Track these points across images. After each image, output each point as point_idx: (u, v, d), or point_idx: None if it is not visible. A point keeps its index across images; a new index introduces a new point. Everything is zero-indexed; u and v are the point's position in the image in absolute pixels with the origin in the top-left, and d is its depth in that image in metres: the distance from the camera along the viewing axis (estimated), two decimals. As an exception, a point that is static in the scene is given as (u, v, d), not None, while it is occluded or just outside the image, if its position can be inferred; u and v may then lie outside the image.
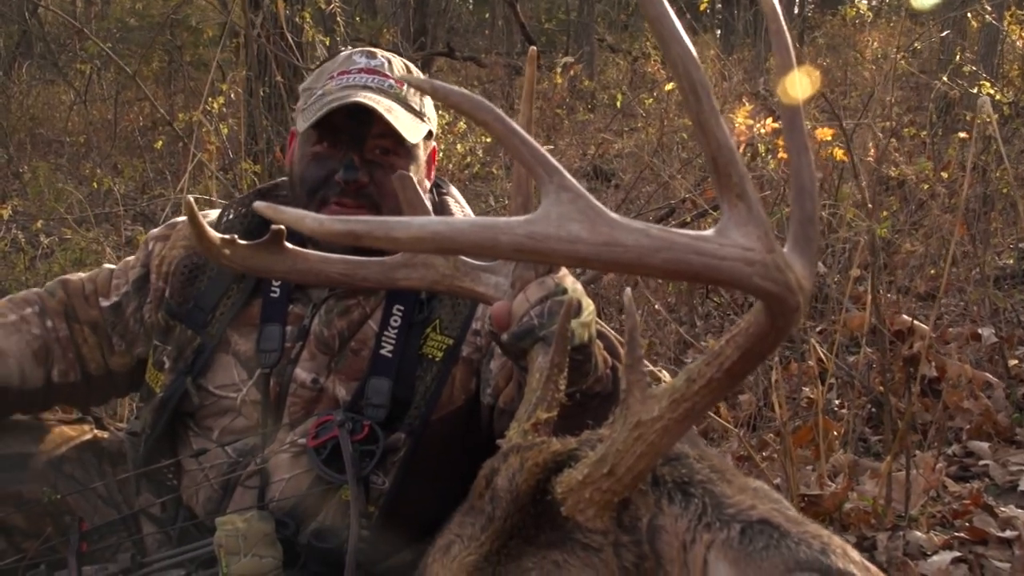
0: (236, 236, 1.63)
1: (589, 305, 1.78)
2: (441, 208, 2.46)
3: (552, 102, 12.83)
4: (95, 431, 2.53)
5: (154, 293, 2.47)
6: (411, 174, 2.29)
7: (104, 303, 2.50)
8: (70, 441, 2.46)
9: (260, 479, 2.31)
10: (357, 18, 14.92)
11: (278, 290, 2.38)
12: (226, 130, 8.97)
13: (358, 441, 2.21)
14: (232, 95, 9.20)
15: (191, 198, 1.57)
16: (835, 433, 3.15)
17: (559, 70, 12.54)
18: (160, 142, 8.64)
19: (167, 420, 2.36)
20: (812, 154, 1.23)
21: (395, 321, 2.31)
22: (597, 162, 11.26)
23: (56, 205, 7.46)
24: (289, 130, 7.27)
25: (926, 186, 5.46)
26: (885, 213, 4.15)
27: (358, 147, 2.29)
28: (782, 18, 1.25)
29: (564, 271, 1.79)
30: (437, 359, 2.29)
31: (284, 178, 2.52)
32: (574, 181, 1.12)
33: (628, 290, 1.73)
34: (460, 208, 2.47)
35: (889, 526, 2.77)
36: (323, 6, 9.17)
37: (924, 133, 5.84)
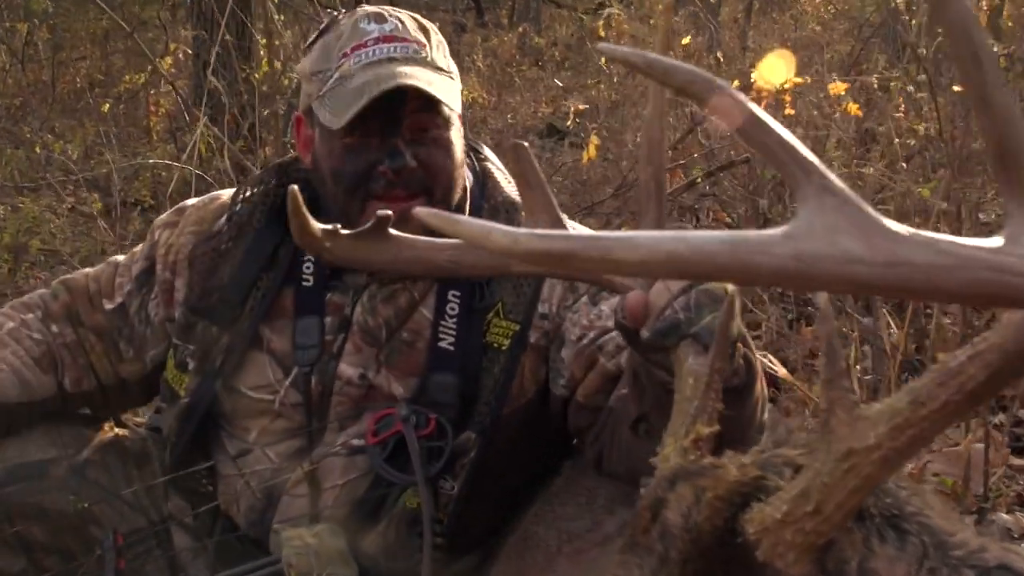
0: (339, 226, 1.42)
1: (734, 290, 1.58)
2: (484, 177, 2.22)
3: (501, 59, 12.59)
4: (116, 430, 2.29)
5: (161, 287, 2.21)
6: (453, 141, 2.08)
7: (108, 306, 2.24)
8: (91, 443, 2.21)
9: (309, 487, 2.09)
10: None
11: (311, 278, 2.13)
12: (175, 92, 8.63)
13: (424, 437, 2.00)
14: (181, 55, 8.86)
15: (295, 188, 1.35)
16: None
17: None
18: (107, 105, 8.27)
19: (195, 427, 2.13)
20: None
21: (452, 309, 2.08)
22: (551, 120, 11.06)
23: (3, 171, 7.08)
24: (238, 90, 6.92)
25: (912, 141, 5.30)
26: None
27: (395, 130, 2.02)
28: None
29: None
30: (503, 348, 2.06)
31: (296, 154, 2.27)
32: (840, 182, 0.91)
33: (824, 295, 1.53)
34: (505, 178, 2.23)
35: (974, 508, 2.64)
36: (272, -38, 8.81)
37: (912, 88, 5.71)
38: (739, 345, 1.59)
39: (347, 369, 2.10)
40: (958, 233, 4.79)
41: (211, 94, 7.59)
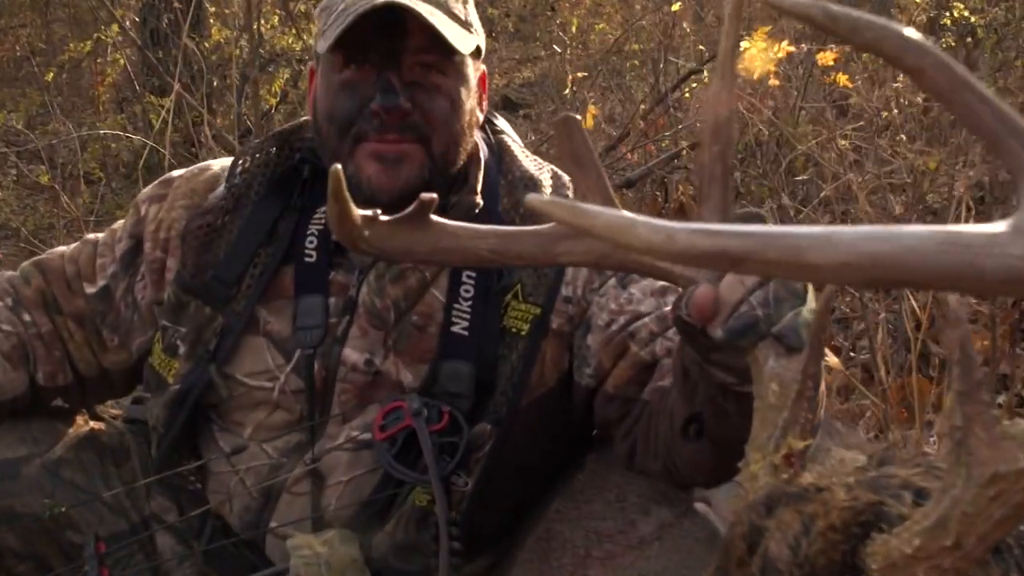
0: (379, 212, 1.25)
1: (810, 290, 1.39)
2: (500, 152, 2.03)
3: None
4: (91, 423, 2.09)
5: (149, 267, 2.01)
6: (461, 96, 1.89)
7: (89, 289, 2.04)
8: (64, 438, 2.01)
9: (311, 484, 1.92)
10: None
11: (314, 253, 1.94)
12: (122, 61, 8.34)
13: (436, 432, 1.83)
14: (128, 22, 8.55)
15: (338, 167, 1.17)
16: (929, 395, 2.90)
17: None
18: (51, 73, 7.96)
19: (187, 416, 1.94)
20: None
21: (466, 291, 1.89)
22: (505, 91, 10.87)
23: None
24: (180, 61, 6.65)
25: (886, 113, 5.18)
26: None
27: (394, 64, 1.82)
28: None
29: None
30: (523, 333, 1.88)
31: (306, 118, 2.09)
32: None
33: (954, 297, 1.36)
34: (522, 151, 2.06)
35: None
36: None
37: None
38: None
39: (352, 354, 1.91)
40: None
41: (159, 64, 7.32)
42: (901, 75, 4.16)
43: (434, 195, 1.27)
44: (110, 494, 1.96)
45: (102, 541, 1.84)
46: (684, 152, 5.13)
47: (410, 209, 1.26)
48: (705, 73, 6.07)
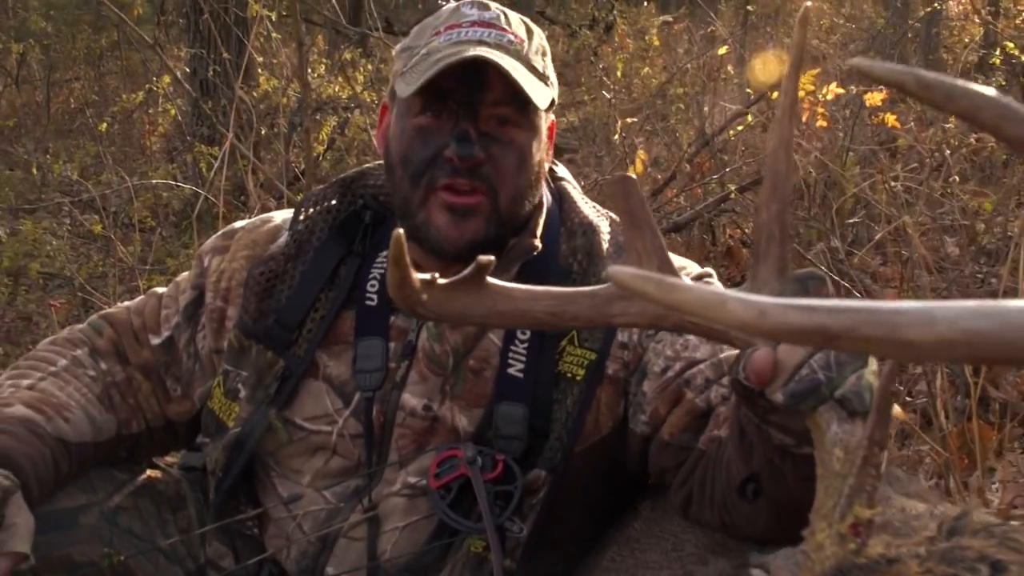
0: (437, 275, 1.25)
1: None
2: (560, 199, 2.05)
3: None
4: (148, 471, 2.10)
5: (210, 316, 2.04)
6: (532, 149, 1.91)
7: (154, 341, 2.06)
8: (122, 487, 2.02)
9: (368, 529, 1.91)
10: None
11: (375, 297, 1.96)
12: (173, 111, 8.47)
13: (491, 480, 1.83)
14: (178, 74, 8.70)
15: (400, 233, 1.18)
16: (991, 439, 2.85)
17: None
18: (104, 124, 8.10)
19: (246, 460, 1.95)
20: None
21: (523, 334, 1.90)
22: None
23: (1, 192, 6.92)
24: (233, 111, 6.77)
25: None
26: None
27: (472, 115, 1.85)
28: None
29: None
30: (578, 378, 1.88)
31: (371, 164, 2.10)
32: None
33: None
34: (582, 198, 2.07)
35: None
36: (271, -22, 8.68)
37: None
38: None
39: (411, 399, 1.92)
40: None
41: (210, 114, 7.43)
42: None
43: (491, 257, 1.26)
44: (168, 543, 1.96)
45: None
46: (731, 195, 5.10)
47: (467, 272, 1.26)
48: (749, 117, 6.06)
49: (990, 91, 0.72)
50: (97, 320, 2.08)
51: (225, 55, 7.71)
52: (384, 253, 1.94)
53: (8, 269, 5.86)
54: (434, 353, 1.93)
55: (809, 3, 1.32)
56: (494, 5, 1.98)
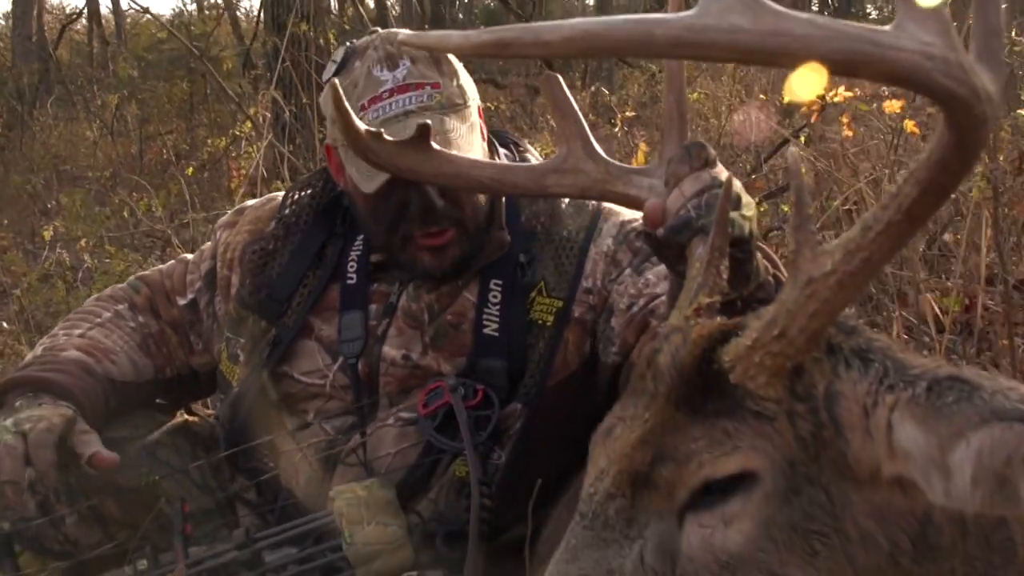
0: (382, 131, 1.60)
1: (749, 201, 1.65)
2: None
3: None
4: (185, 416, 2.42)
5: (221, 283, 2.39)
6: (480, 147, 2.18)
7: (181, 301, 2.43)
8: (162, 426, 2.35)
9: (363, 454, 2.20)
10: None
11: (355, 276, 2.27)
12: (255, 154, 8.92)
13: (472, 407, 2.10)
14: (261, 118, 9.18)
15: (336, 81, 1.52)
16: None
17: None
18: (191, 168, 8.59)
19: (244, 414, 2.27)
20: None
21: (494, 297, 2.20)
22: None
23: (96, 228, 7.41)
24: (313, 152, 7.11)
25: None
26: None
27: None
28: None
29: (720, 166, 1.65)
30: (548, 324, 2.18)
31: None
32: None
33: (793, 148, 1.74)
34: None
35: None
36: (346, 27, 9.15)
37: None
38: (766, 262, 1.67)
39: (390, 351, 2.22)
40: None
41: (290, 155, 7.86)
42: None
43: (428, 122, 1.63)
44: (195, 465, 2.26)
45: (187, 503, 2.14)
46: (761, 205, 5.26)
47: (412, 135, 1.57)
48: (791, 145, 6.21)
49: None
50: (135, 280, 2.45)
51: (305, 100, 8.17)
52: (361, 236, 2.27)
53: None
54: (411, 310, 2.23)
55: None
56: (398, 53, 2.13)
